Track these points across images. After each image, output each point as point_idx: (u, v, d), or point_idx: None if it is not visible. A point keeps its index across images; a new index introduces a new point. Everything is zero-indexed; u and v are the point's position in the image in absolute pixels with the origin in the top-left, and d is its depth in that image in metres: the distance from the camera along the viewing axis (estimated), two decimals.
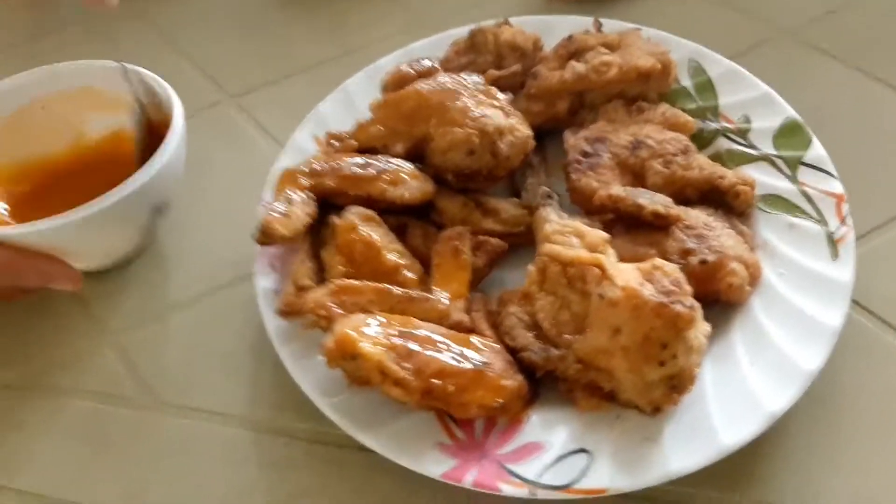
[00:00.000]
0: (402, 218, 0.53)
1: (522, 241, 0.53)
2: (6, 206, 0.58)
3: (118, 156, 0.59)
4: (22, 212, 0.57)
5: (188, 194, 0.64)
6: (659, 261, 0.43)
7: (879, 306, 0.50)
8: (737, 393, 0.43)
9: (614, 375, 0.43)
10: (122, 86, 0.59)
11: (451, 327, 0.47)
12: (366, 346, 0.42)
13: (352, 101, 0.61)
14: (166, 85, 0.57)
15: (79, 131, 0.61)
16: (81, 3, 0.54)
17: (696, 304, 0.42)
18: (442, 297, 0.48)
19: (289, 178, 0.52)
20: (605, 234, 0.46)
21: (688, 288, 0.42)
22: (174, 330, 0.55)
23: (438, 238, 0.51)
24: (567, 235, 0.47)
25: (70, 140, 0.61)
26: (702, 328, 0.42)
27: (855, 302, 0.50)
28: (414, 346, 0.43)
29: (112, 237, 0.54)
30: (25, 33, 0.80)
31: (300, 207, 0.49)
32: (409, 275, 0.49)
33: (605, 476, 0.41)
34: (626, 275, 0.43)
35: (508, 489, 0.41)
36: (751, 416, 0.42)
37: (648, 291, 0.41)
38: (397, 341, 0.43)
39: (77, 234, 0.50)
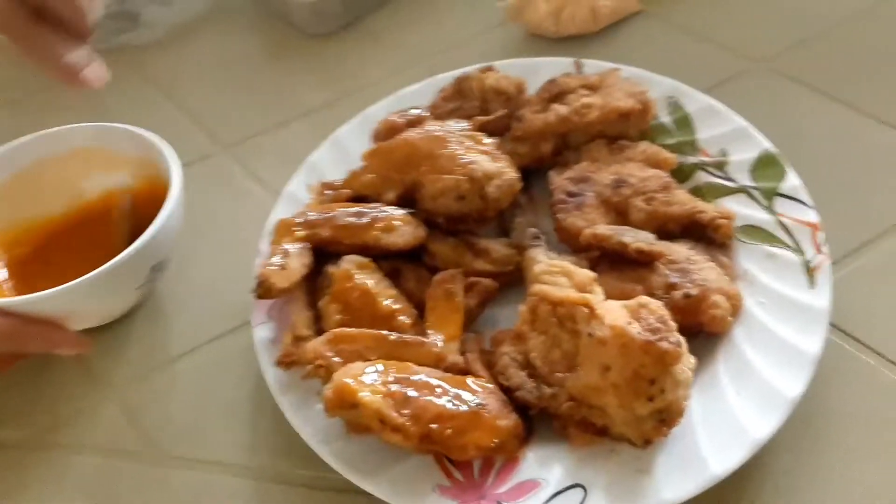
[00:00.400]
0: (395, 262, 0.55)
1: (513, 279, 0.55)
2: (6, 270, 0.59)
3: (114, 213, 0.61)
4: (21, 273, 0.59)
5: (184, 246, 0.65)
6: (644, 298, 0.45)
7: (857, 329, 0.52)
8: (723, 422, 0.45)
9: (606, 411, 0.44)
10: (121, 145, 0.61)
11: (446, 369, 0.48)
12: (364, 395, 0.43)
13: (344, 150, 0.63)
14: (164, 144, 0.59)
15: (78, 191, 0.63)
16: (63, 83, 0.56)
17: (682, 340, 0.43)
18: (437, 339, 0.49)
19: (284, 229, 0.53)
20: (592, 274, 0.48)
21: (673, 324, 0.43)
22: (175, 381, 0.57)
23: (432, 282, 0.52)
24: (555, 275, 0.49)
25: (68, 200, 0.63)
26: (688, 362, 0.44)
27: (834, 326, 0.52)
28: (411, 392, 0.44)
29: (113, 299, 0.56)
30: (24, 89, 0.82)
31: (296, 259, 0.51)
32: (405, 319, 0.51)
33: None
34: (613, 313, 0.44)
35: None
36: (737, 444, 0.43)
37: (636, 330, 0.43)
38: (395, 388, 0.44)
39: (79, 299, 0.52)
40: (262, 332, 0.53)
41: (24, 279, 0.58)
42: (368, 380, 0.45)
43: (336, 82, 0.79)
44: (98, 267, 0.51)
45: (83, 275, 0.51)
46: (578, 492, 0.43)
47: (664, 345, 0.42)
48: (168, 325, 0.60)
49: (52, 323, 0.52)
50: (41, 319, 0.52)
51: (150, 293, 0.60)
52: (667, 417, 0.43)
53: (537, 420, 0.47)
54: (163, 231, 0.54)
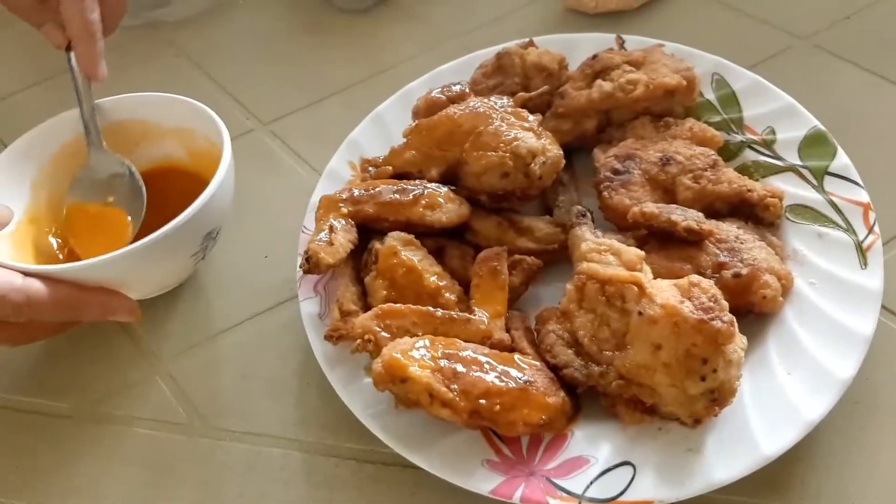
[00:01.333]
0: (439, 240, 0.54)
1: (556, 257, 0.54)
2: (57, 240, 0.60)
3: (166, 185, 0.61)
4: (72, 242, 0.59)
5: (227, 221, 0.66)
6: (696, 277, 0.45)
7: None
8: (774, 402, 0.44)
9: (656, 390, 0.44)
10: (169, 116, 0.61)
11: (492, 346, 0.48)
12: (414, 370, 0.44)
13: (384, 126, 0.63)
14: (214, 115, 0.59)
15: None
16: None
17: (734, 320, 0.43)
18: (483, 316, 0.49)
19: (329, 205, 0.53)
20: (641, 252, 0.48)
21: (725, 304, 0.43)
22: (221, 356, 0.57)
23: (476, 259, 0.52)
24: (603, 253, 0.48)
25: None
26: (740, 342, 0.44)
27: (885, 308, 0.51)
28: (460, 368, 0.45)
29: (167, 267, 0.56)
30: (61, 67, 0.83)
31: (342, 235, 0.51)
32: (450, 296, 0.51)
33: (649, 488, 0.42)
34: (664, 292, 0.44)
35: (556, 503, 0.42)
36: (789, 425, 0.43)
37: (688, 308, 0.43)
38: (443, 363, 0.45)
39: (134, 266, 0.52)
40: (309, 306, 0.53)
41: (74, 249, 0.58)
42: (417, 355, 0.45)
43: (371, 59, 0.78)
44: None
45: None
46: (628, 470, 0.43)
47: (717, 324, 0.42)
48: (213, 301, 0.60)
49: (108, 290, 0.52)
50: (97, 287, 0.52)
51: (202, 262, 0.59)
52: (719, 397, 0.43)
53: (584, 398, 0.47)
54: (215, 197, 0.53)
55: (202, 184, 0.53)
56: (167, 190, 0.60)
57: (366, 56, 0.79)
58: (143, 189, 0.58)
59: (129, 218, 0.57)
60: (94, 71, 0.57)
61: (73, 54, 0.57)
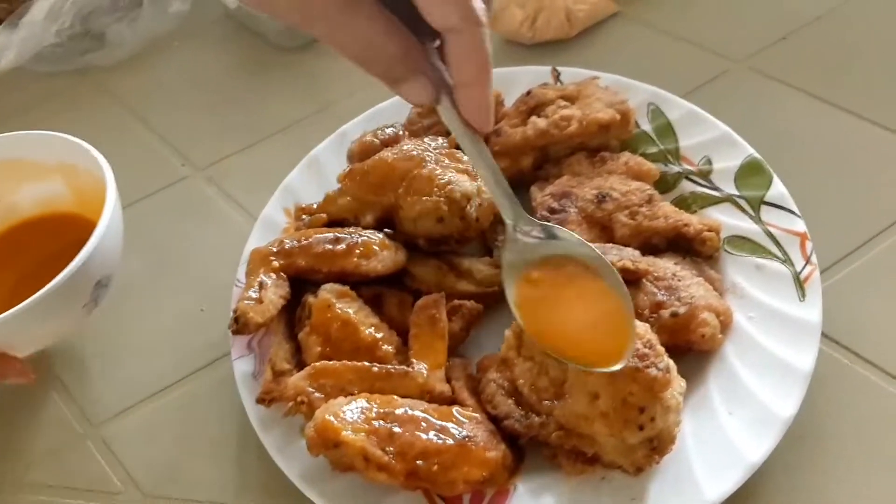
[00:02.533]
0: (376, 288, 0.53)
1: (499, 299, 0.53)
2: None
3: (51, 231, 0.60)
4: None
5: (160, 273, 0.64)
6: None
7: (849, 339, 0.51)
8: (716, 445, 0.44)
9: (596, 440, 0.43)
10: (47, 153, 0.59)
11: (432, 399, 0.47)
12: (347, 434, 0.42)
13: (320, 170, 0.62)
14: (94, 151, 0.57)
15: (10, 206, 0.61)
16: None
17: (671, 364, 0.42)
18: (422, 368, 0.48)
19: (259, 259, 0.52)
20: None
21: (661, 349, 0.42)
22: (156, 418, 0.55)
23: (414, 308, 0.51)
24: None
25: (2, 214, 0.61)
26: (678, 386, 0.43)
27: (826, 336, 0.51)
28: (395, 428, 0.43)
29: (56, 322, 0.53)
30: None
31: (273, 291, 0.50)
32: (388, 348, 0.49)
33: None
34: None
35: None
36: (732, 467, 0.43)
37: None
38: (378, 424, 0.43)
39: (21, 327, 0.49)
40: (242, 365, 0.52)
41: None
42: (351, 416, 0.43)
43: (310, 97, 0.77)
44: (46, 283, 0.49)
45: (30, 293, 0.48)
46: None
47: (652, 371, 0.41)
48: (147, 359, 0.58)
49: None
50: None
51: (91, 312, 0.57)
52: (658, 445, 0.42)
53: (528, 448, 0.46)
54: (102, 244, 0.51)
55: (89, 226, 0.51)
56: (53, 237, 0.58)
57: (305, 94, 0.78)
58: None
59: None
60: (488, 121, 0.41)
61: (444, 107, 0.41)
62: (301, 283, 0.53)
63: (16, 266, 0.59)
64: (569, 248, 0.44)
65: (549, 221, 0.53)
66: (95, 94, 0.81)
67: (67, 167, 0.60)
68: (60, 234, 0.60)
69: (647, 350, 0.42)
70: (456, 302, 0.52)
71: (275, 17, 0.37)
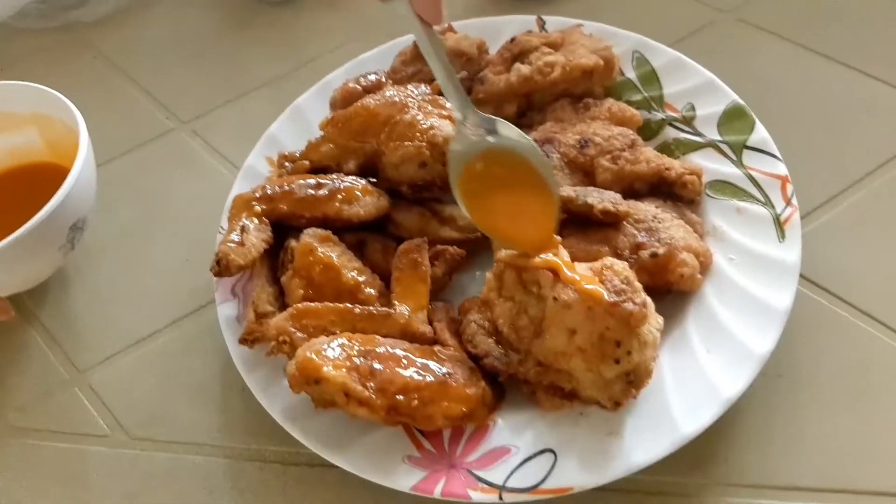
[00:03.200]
0: (359, 234, 0.53)
1: (481, 245, 0.53)
2: None
3: (27, 180, 0.61)
4: None
5: (147, 224, 0.64)
6: (609, 260, 0.44)
7: (828, 281, 0.51)
8: (693, 381, 0.44)
9: (573, 375, 0.43)
10: (21, 103, 0.60)
11: (413, 339, 0.47)
12: (328, 370, 0.42)
13: (304, 120, 0.62)
14: (67, 101, 0.58)
15: None
16: None
17: (648, 300, 0.43)
18: (403, 310, 0.48)
19: (242, 205, 0.52)
20: (556, 237, 0.47)
21: (638, 285, 0.43)
22: (143, 364, 0.55)
23: (397, 252, 0.51)
24: None
25: None
26: (655, 322, 0.43)
27: (805, 278, 0.51)
28: (376, 365, 0.44)
29: (33, 263, 0.55)
30: None
31: (255, 235, 0.50)
32: (370, 291, 0.50)
33: (570, 474, 0.42)
34: (579, 277, 0.43)
35: (477, 496, 0.42)
36: (707, 403, 0.43)
37: (601, 292, 0.42)
38: (359, 361, 0.44)
39: (1, 265, 0.51)
40: (226, 309, 0.52)
41: None
42: (332, 354, 0.44)
43: (294, 51, 0.76)
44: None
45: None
46: (549, 457, 0.43)
47: (629, 306, 0.41)
48: (133, 307, 0.59)
49: None
50: None
51: (71, 251, 0.58)
52: (634, 379, 0.42)
53: (508, 387, 0.47)
54: (76, 188, 0.52)
55: (63, 174, 0.53)
56: (28, 186, 0.59)
57: (289, 48, 0.77)
58: None
59: None
60: (439, 17, 0.47)
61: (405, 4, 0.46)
62: (284, 228, 0.53)
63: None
64: (509, 143, 0.46)
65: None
66: (80, 51, 0.81)
67: (41, 117, 0.61)
68: (35, 183, 0.61)
69: (624, 286, 0.42)
70: (439, 247, 0.52)
71: None
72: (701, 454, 0.45)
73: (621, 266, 0.43)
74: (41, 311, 0.59)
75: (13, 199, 0.59)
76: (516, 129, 0.46)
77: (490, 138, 0.46)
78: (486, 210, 0.46)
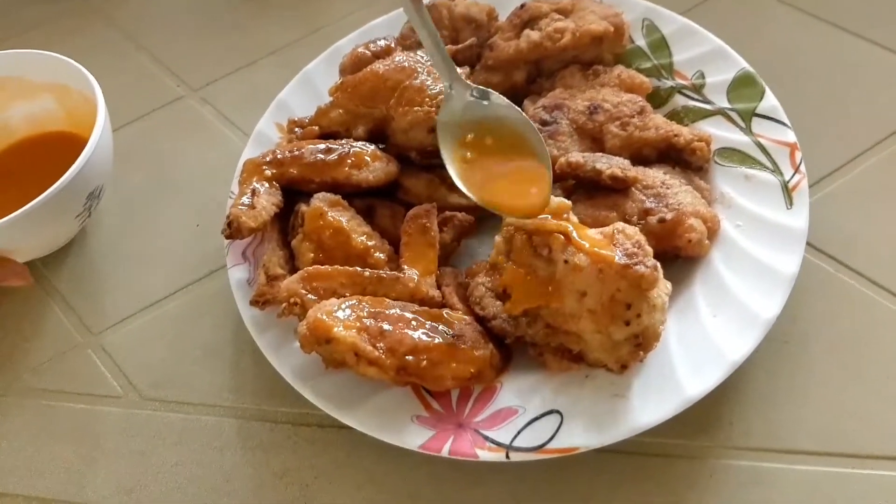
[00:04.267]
0: (368, 200, 0.54)
1: (489, 212, 0.54)
2: None
3: (45, 148, 0.62)
4: None
5: (158, 190, 0.64)
6: (621, 224, 0.44)
7: (836, 249, 0.52)
8: (699, 345, 0.45)
9: (582, 337, 0.44)
10: (40, 72, 0.60)
11: (422, 303, 0.48)
12: (339, 331, 0.43)
13: (313, 86, 0.62)
14: (85, 71, 0.58)
15: (3, 120, 0.63)
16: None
17: (658, 265, 0.43)
18: (412, 274, 0.49)
19: (252, 169, 0.52)
20: (567, 202, 0.47)
21: (649, 249, 0.43)
22: (155, 327, 0.56)
23: (406, 217, 0.52)
24: None
25: None
26: (664, 287, 0.43)
27: (812, 246, 0.51)
28: (386, 326, 0.44)
29: (51, 230, 0.56)
30: None
31: (265, 198, 0.50)
32: (379, 255, 0.50)
33: (576, 434, 0.42)
34: (590, 240, 0.44)
35: (485, 454, 0.42)
36: (713, 366, 0.43)
37: (612, 254, 0.42)
38: (369, 322, 0.44)
39: (18, 233, 0.52)
40: (237, 272, 0.52)
41: None
42: (342, 315, 0.44)
43: (303, 18, 0.76)
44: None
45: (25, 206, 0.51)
46: (555, 418, 0.43)
47: (640, 269, 0.42)
48: (144, 272, 0.59)
49: None
50: None
51: (88, 220, 0.60)
52: (643, 342, 0.43)
53: (515, 349, 0.47)
54: (94, 157, 0.53)
55: (81, 143, 0.54)
56: (47, 154, 0.60)
57: (298, 16, 0.77)
58: None
59: None
60: None
61: None
62: (294, 193, 0.53)
63: (13, 182, 0.61)
64: (499, 112, 0.47)
65: (540, 133, 0.53)
66: (91, 19, 0.81)
67: (59, 86, 0.62)
68: (54, 151, 0.62)
69: (636, 249, 0.42)
70: (447, 213, 0.53)
71: None
72: (706, 417, 0.45)
73: (633, 230, 0.44)
74: (55, 276, 0.60)
75: (32, 167, 0.60)
76: (505, 99, 0.46)
77: (479, 108, 0.46)
78: (481, 180, 0.47)
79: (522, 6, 0.59)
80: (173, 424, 0.51)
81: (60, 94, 0.62)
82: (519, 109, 0.46)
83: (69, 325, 0.57)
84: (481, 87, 0.47)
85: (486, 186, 0.46)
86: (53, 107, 0.63)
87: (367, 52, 0.57)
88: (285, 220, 0.53)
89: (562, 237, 0.45)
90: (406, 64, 0.54)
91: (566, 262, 0.44)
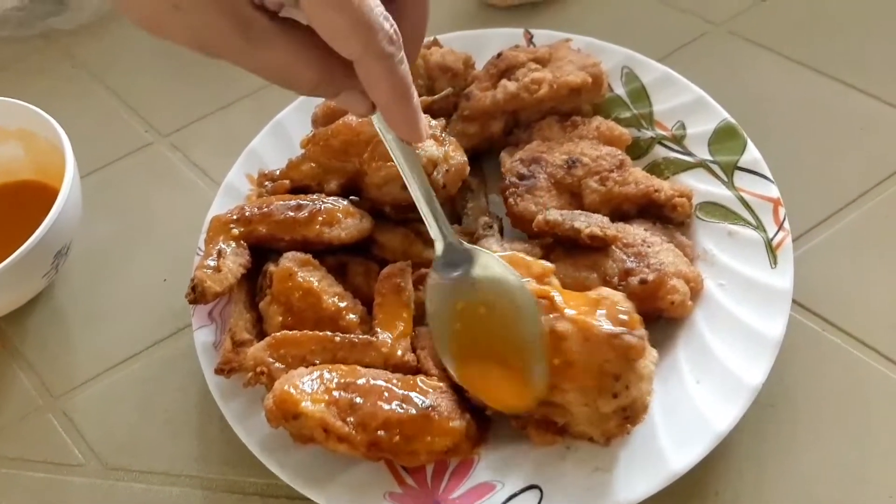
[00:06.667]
0: (340, 257, 0.52)
1: None
2: None
3: (9, 193, 0.61)
4: None
5: (124, 241, 0.62)
6: (606, 290, 0.43)
7: (821, 306, 0.50)
8: (684, 414, 0.43)
9: (568, 409, 0.42)
10: (10, 121, 0.59)
11: (396, 368, 0.46)
12: (306, 405, 0.41)
13: (285, 135, 0.60)
14: (56, 125, 0.57)
15: None
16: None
17: (646, 333, 0.41)
18: (385, 338, 0.47)
19: (219, 227, 0.50)
20: (550, 266, 0.45)
21: (637, 317, 0.41)
22: (118, 389, 0.54)
23: (379, 276, 0.50)
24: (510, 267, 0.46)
25: None
26: (651, 356, 0.42)
27: (797, 303, 0.50)
28: (357, 398, 0.42)
29: (16, 291, 0.54)
30: None
31: (231, 259, 0.48)
32: (352, 317, 0.48)
33: None
34: (574, 306, 0.42)
35: None
36: (698, 437, 0.42)
37: (600, 323, 0.41)
38: (339, 394, 0.42)
39: None
40: (203, 335, 0.50)
41: None
42: (311, 387, 0.42)
43: None
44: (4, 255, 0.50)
45: None
46: (535, 493, 0.41)
47: (629, 338, 0.40)
48: (108, 330, 0.57)
49: None
50: None
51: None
52: (631, 414, 0.41)
53: (493, 417, 0.45)
54: (63, 215, 0.52)
55: (48, 192, 0.52)
56: (13, 205, 0.59)
57: None
58: None
59: None
60: (417, 134, 0.40)
61: (378, 117, 0.41)
62: (263, 251, 0.51)
63: None
64: (493, 277, 0.43)
65: (517, 188, 0.52)
66: (58, 59, 0.79)
67: (26, 133, 0.60)
68: (21, 201, 0.60)
69: (623, 317, 0.41)
70: (423, 270, 0.51)
71: (175, 43, 0.35)
72: (690, 488, 0.44)
73: (619, 297, 0.42)
74: (15, 333, 0.58)
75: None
76: (501, 261, 0.43)
77: (473, 272, 0.43)
78: (470, 362, 0.43)
79: (499, 55, 0.57)
80: (137, 496, 0.49)
81: (27, 142, 0.60)
82: (517, 275, 0.42)
83: (29, 385, 0.55)
84: (476, 247, 0.44)
85: (474, 371, 0.43)
86: (20, 154, 0.61)
87: None
88: (253, 280, 0.51)
89: (546, 302, 0.43)
90: None
91: (551, 329, 0.42)
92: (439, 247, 0.44)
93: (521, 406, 0.42)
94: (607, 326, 0.40)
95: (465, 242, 0.45)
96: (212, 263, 0.47)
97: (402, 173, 0.43)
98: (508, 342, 0.42)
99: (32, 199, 0.60)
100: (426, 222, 0.44)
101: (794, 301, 0.47)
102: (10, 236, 0.51)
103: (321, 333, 0.46)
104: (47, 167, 0.59)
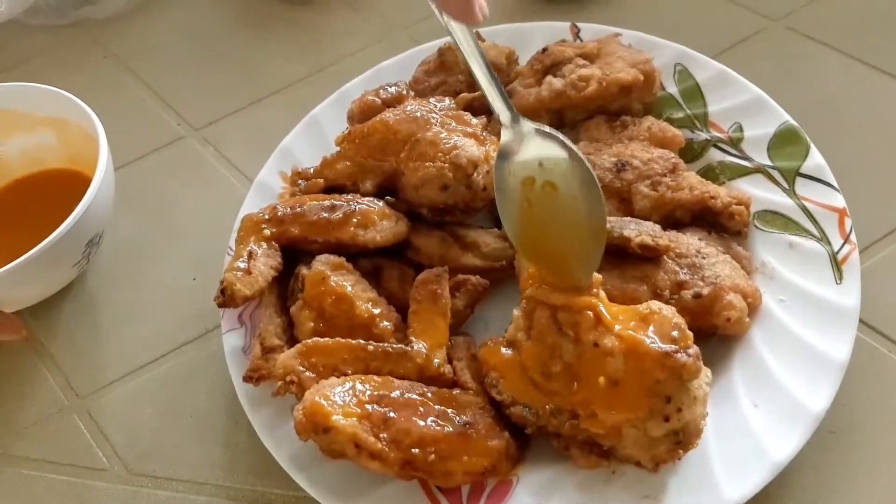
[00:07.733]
0: (375, 260, 0.50)
1: (507, 275, 0.50)
2: None
3: (43, 186, 0.60)
4: None
5: (154, 237, 0.61)
6: (657, 304, 0.40)
7: (888, 325, 0.47)
8: (740, 441, 0.40)
9: (615, 431, 0.39)
10: (43, 108, 0.58)
11: (431, 380, 0.44)
12: (338, 419, 0.39)
13: (319, 132, 0.58)
14: (90, 111, 0.56)
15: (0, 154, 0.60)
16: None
17: (699, 352, 0.38)
18: (420, 348, 0.44)
19: (251, 227, 0.48)
20: (598, 276, 0.42)
21: (689, 334, 0.39)
22: (144, 391, 0.52)
23: (415, 282, 0.47)
24: None
25: None
26: (705, 376, 0.39)
27: (863, 322, 0.47)
28: (391, 413, 0.40)
29: (46, 279, 0.53)
30: None
31: (263, 261, 0.46)
32: (386, 324, 0.46)
33: None
34: (623, 320, 0.39)
35: None
36: (755, 467, 0.39)
37: (649, 340, 0.38)
38: (372, 408, 0.40)
39: (15, 282, 0.49)
40: (232, 339, 0.48)
41: None
42: (343, 399, 0.40)
43: (311, 54, 0.73)
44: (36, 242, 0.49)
45: (22, 252, 0.48)
46: None
47: (682, 357, 0.37)
48: (135, 330, 0.55)
49: None
50: None
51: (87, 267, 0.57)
52: (683, 439, 0.38)
53: (533, 436, 0.43)
54: (96, 202, 0.51)
55: (80, 180, 0.51)
56: (46, 193, 0.58)
57: (306, 51, 0.73)
58: None
59: None
60: (466, 13, 0.41)
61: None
62: (295, 253, 0.49)
63: (10, 226, 0.58)
64: (565, 156, 0.41)
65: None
66: (90, 50, 0.78)
67: (59, 121, 0.59)
68: (53, 189, 0.60)
69: (675, 334, 0.38)
70: (460, 277, 0.49)
71: None
72: None
73: (671, 311, 0.39)
74: (42, 330, 0.57)
75: (31, 208, 0.58)
76: (567, 141, 0.41)
77: (544, 150, 0.41)
78: (534, 235, 0.42)
79: (544, 50, 0.55)
80: (161, 503, 0.47)
81: (59, 129, 0.59)
82: (583, 156, 0.41)
83: (55, 384, 0.54)
84: (543, 126, 0.42)
85: (540, 242, 0.42)
86: (53, 142, 0.60)
87: (376, 99, 0.54)
88: (285, 283, 0.49)
89: (591, 315, 0.40)
90: (418, 114, 0.50)
91: (596, 344, 0.39)
92: (505, 119, 0.42)
93: (580, 279, 0.41)
94: (658, 344, 0.38)
95: (529, 121, 0.42)
96: (242, 265, 0.46)
97: (461, 51, 0.42)
98: (572, 222, 0.41)
99: (64, 187, 0.59)
100: (489, 99, 0.42)
101: (859, 320, 0.44)
102: (40, 225, 0.50)
103: (354, 342, 0.44)
104: (79, 155, 0.58)
